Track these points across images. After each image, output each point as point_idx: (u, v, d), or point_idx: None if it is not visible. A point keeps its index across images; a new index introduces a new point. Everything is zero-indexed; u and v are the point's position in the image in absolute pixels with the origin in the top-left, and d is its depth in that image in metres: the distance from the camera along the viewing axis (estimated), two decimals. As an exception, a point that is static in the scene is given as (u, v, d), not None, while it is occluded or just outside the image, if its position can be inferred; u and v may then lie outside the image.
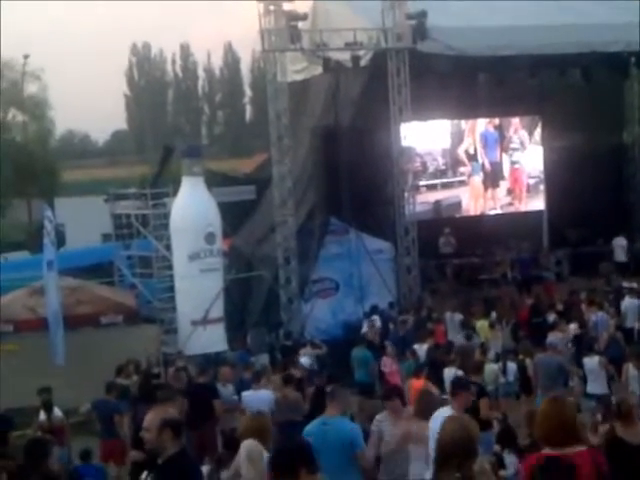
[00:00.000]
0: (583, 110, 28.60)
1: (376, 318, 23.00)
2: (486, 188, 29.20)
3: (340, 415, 9.77)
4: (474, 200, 28.94)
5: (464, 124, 28.98)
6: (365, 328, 22.47)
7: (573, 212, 28.09)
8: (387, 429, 10.11)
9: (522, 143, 29.25)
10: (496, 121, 28.98)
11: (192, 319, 22.46)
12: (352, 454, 9.40)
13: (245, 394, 15.23)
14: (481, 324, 21.40)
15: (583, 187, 28.05)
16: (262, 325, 24.69)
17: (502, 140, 29.07)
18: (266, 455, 9.33)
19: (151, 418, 6.83)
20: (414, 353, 18.58)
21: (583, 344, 18.12)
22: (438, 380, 16.07)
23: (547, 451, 6.00)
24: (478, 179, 28.89)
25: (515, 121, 29.11)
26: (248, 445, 9.20)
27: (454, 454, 5.60)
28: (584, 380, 16.89)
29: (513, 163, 29.15)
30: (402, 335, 21.03)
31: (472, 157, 28.82)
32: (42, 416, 14.74)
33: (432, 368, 17.03)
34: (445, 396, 15.53)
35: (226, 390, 15.70)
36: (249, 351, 21.78)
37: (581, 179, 27.95)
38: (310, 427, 9.80)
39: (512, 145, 29.09)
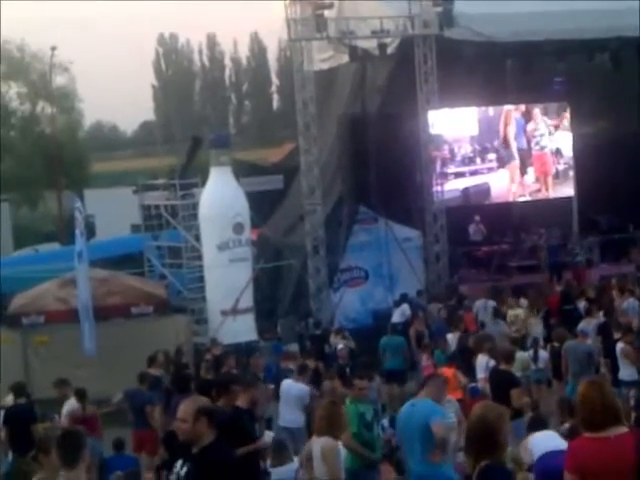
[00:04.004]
0: (612, 95, 28.39)
1: (406, 306, 23.01)
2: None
3: (430, 399, 9.74)
4: (513, 186, 28.71)
5: (492, 111, 28.79)
6: (397, 317, 22.51)
7: (603, 198, 27.87)
8: None
9: (546, 130, 28.99)
10: (522, 108, 28.77)
11: (222, 309, 22.56)
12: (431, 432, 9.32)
13: (285, 382, 15.23)
14: (516, 312, 21.31)
15: (613, 173, 27.82)
16: (292, 314, 24.75)
17: (526, 127, 28.88)
18: (341, 449, 9.35)
19: (185, 408, 6.83)
20: (445, 342, 18.55)
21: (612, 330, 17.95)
22: (469, 368, 16.04)
23: (589, 435, 5.95)
24: (515, 164, 28.67)
25: (538, 108, 28.87)
26: (323, 443, 9.19)
27: (483, 442, 5.60)
28: (615, 367, 16.78)
29: (539, 150, 28.93)
30: (440, 325, 20.98)
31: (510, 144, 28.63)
32: (68, 406, 14.78)
33: (462, 356, 16.99)
34: (474, 384, 15.58)
35: None
36: (280, 340, 21.84)
37: (611, 165, 27.72)
38: (402, 409, 9.90)
39: (537, 132, 28.86)
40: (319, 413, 9.52)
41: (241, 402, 10.51)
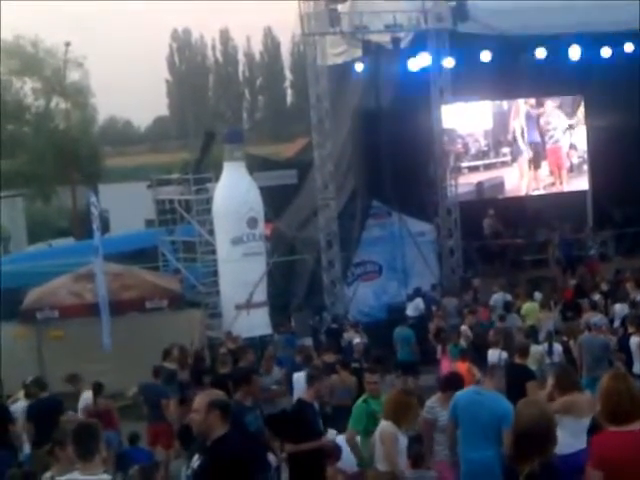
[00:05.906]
0: (626, 88, 28.26)
1: (419, 300, 23.02)
2: (529, 168, 29.02)
3: (494, 391, 9.67)
4: (526, 180, 28.72)
5: (506, 105, 28.76)
6: (410, 311, 22.55)
7: (618, 191, 27.80)
8: (441, 416, 10.21)
9: (560, 123, 28.96)
10: (532, 101, 28.75)
11: (236, 303, 22.60)
12: (498, 429, 9.15)
13: (297, 375, 15.23)
14: (529, 306, 21.25)
15: (627, 166, 27.72)
16: (305, 308, 24.77)
17: (539, 120, 28.86)
18: (402, 437, 9.41)
19: (200, 400, 6.88)
20: (458, 335, 18.56)
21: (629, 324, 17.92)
22: (482, 361, 16.01)
23: (614, 428, 5.83)
24: (524, 158, 28.66)
25: (551, 101, 28.81)
26: (382, 426, 9.42)
27: (535, 441, 5.34)
28: (630, 361, 16.73)
29: (553, 143, 28.91)
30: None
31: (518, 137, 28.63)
32: (84, 401, 14.81)
33: (476, 349, 16.97)
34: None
35: (270, 378, 15.60)
36: (294, 334, 21.85)
37: (625, 158, 27.63)
38: (462, 394, 9.80)
39: (550, 126, 28.83)
40: (387, 398, 9.77)
41: (307, 395, 10.41)
